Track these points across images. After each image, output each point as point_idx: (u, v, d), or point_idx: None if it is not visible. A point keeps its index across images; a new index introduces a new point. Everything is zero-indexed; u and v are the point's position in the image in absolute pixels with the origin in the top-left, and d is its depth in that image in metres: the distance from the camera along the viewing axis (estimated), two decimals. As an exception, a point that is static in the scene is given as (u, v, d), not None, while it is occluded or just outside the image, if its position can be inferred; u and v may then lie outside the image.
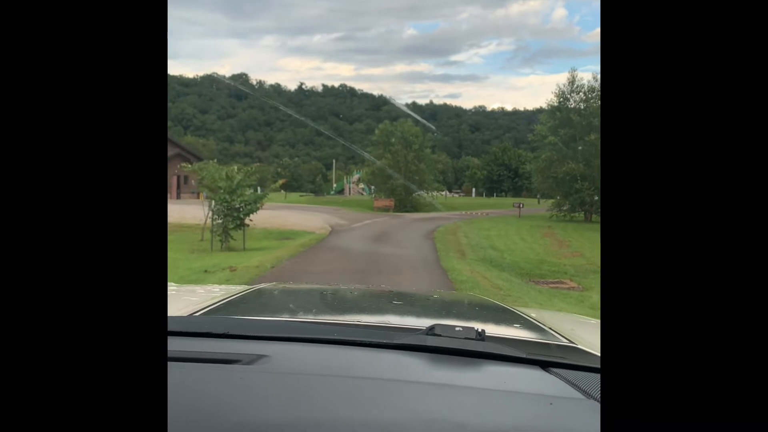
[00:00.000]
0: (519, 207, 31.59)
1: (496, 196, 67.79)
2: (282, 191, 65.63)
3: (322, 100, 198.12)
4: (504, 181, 71.28)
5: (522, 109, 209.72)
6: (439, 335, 1.04)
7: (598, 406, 0.75)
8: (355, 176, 54.79)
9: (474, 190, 67.80)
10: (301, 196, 55.37)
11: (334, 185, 70.37)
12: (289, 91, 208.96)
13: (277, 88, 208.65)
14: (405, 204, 38.62)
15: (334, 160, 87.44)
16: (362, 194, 53.79)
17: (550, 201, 32.14)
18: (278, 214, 26.95)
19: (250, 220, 16.13)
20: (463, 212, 35.89)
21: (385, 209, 36.09)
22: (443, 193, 45.54)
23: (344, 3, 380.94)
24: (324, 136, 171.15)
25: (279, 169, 57.26)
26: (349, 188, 64.24)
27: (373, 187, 42.59)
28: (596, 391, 0.83)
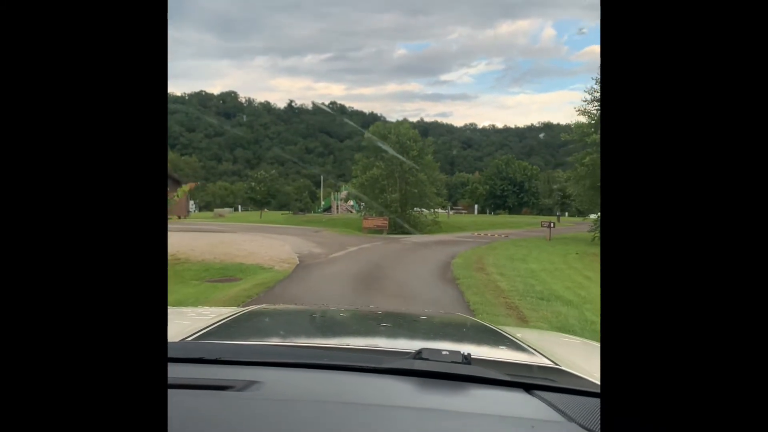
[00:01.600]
0: (549, 227, 24.19)
1: (494, 213, 60.66)
2: (264, 209, 58.30)
3: (312, 117, 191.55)
4: (508, 196, 63.96)
5: (513, 126, 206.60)
6: (427, 359, 1.04)
7: (578, 429, 0.78)
8: (344, 192, 47.11)
9: (476, 206, 60.49)
10: (283, 214, 47.81)
11: (322, 203, 63.50)
12: (279, 108, 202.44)
13: (266, 106, 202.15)
14: (401, 223, 31.09)
15: (321, 177, 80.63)
16: (351, 212, 46.32)
17: (591, 217, 24.80)
18: (235, 239, 19.47)
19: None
20: (475, 233, 28.37)
21: (378, 230, 28.36)
22: (445, 210, 37.73)
23: (335, 23, 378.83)
24: (314, 154, 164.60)
25: (254, 184, 48.76)
26: (337, 206, 57.02)
27: (362, 203, 35.10)
28: (576, 414, 0.84)
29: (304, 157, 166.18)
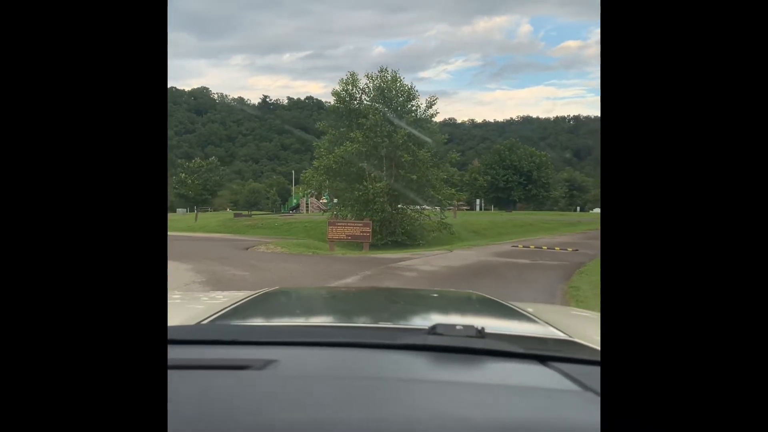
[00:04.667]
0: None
1: (493, 209, 49.34)
2: (227, 209, 46.16)
3: (287, 113, 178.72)
4: (513, 188, 52.26)
5: (492, 120, 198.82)
6: (441, 334, 1.03)
7: (594, 397, 0.77)
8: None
9: (478, 201, 48.72)
10: (235, 217, 35.60)
11: (294, 202, 51.91)
12: (253, 104, 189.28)
13: (240, 102, 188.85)
14: (392, 228, 19.22)
15: (293, 171, 69.62)
16: (325, 211, 34.36)
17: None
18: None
19: None
20: (520, 246, 16.76)
21: (354, 243, 16.27)
22: (451, 207, 24.91)
23: (313, 22, 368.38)
24: (291, 150, 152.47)
25: (184, 176, 35.16)
26: (307, 204, 45.22)
27: (336, 199, 23.19)
28: (593, 383, 0.82)
29: (279, 154, 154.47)
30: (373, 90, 20.22)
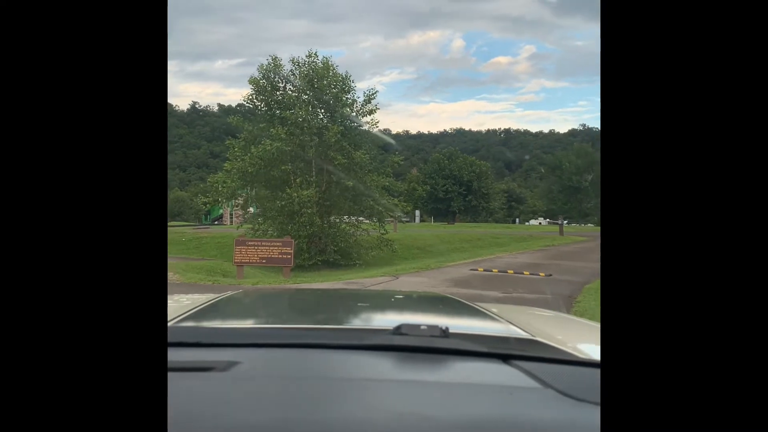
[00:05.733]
0: None
1: (433, 219, 46.81)
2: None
3: (217, 120, 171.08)
4: (453, 199, 49.99)
5: (426, 132, 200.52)
6: (406, 334, 1.03)
7: (555, 394, 0.79)
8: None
9: (418, 213, 45.90)
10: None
11: (218, 211, 47.49)
12: (182, 111, 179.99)
13: (168, 108, 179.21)
14: (323, 245, 15.79)
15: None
16: (242, 223, 30.26)
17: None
18: None
19: None
20: (472, 267, 13.58)
21: (273, 267, 12.68)
22: (393, 218, 21.69)
23: (247, 29, 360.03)
24: (221, 159, 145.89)
25: None
26: (231, 214, 40.92)
27: (252, 209, 19.50)
28: (554, 381, 0.85)
29: (209, 162, 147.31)
30: (299, 78, 16.76)
